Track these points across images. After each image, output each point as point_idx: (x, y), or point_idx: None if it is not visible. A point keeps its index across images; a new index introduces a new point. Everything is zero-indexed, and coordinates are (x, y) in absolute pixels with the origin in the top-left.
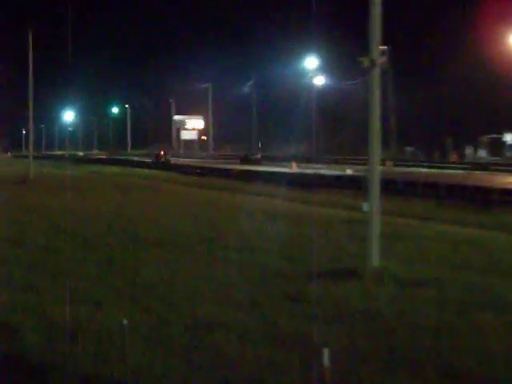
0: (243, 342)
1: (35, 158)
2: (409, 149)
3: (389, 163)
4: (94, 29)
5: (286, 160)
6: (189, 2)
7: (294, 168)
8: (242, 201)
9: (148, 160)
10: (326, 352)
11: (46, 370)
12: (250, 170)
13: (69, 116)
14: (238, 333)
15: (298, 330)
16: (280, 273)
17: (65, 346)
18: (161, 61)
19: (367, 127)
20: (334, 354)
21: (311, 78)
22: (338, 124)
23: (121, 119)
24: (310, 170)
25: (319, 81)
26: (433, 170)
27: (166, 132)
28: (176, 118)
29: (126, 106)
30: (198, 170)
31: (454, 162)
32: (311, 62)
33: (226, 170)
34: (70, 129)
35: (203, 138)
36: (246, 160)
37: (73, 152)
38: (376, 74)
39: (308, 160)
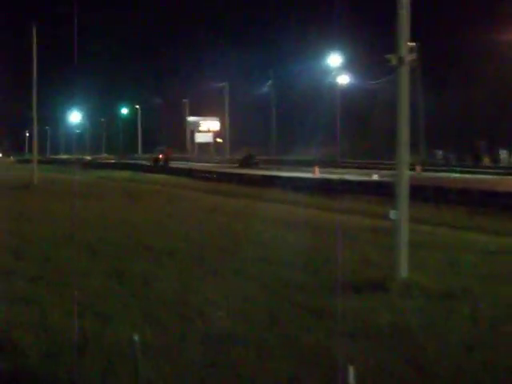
0: (262, 358)
1: (39, 162)
2: (439, 152)
3: (418, 168)
4: (103, 26)
5: (308, 164)
6: None
7: (316, 173)
8: (261, 208)
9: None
10: (350, 370)
11: None
12: (270, 176)
13: (75, 117)
14: (257, 349)
15: (321, 346)
16: (301, 285)
17: (70, 364)
18: (174, 59)
19: (394, 129)
20: (360, 371)
21: (335, 76)
22: (362, 126)
23: (131, 121)
24: (333, 175)
25: (343, 80)
26: (465, 175)
27: (180, 134)
28: (190, 119)
29: (137, 106)
30: (206, 175)
31: (486, 167)
32: (335, 60)
33: (242, 174)
34: (76, 131)
35: (219, 140)
36: (244, 164)
37: (80, 156)
38: (404, 72)
39: (331, 164)
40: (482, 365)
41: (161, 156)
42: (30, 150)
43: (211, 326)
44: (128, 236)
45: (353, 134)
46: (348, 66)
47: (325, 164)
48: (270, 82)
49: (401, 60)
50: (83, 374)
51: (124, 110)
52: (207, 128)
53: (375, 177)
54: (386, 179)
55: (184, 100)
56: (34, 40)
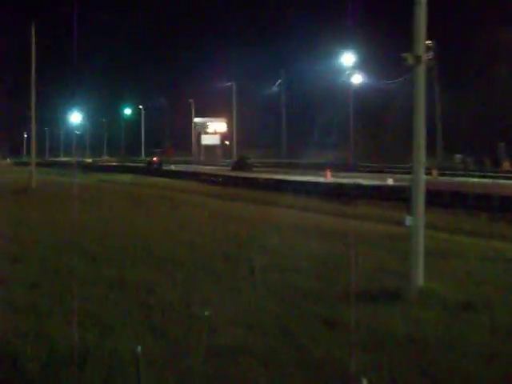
0: (271, 371)
1: (38, 164)
2: (457, 156)
3: (434, 172)
4: (105, 24)
5: (319, 167)
6: None
7: (328, 177)
8: (270, 214)
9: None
10: (364, 382)
11: None
12: (279, 180)
13: (76, 118)
14: (266, 361)
15: (334, 358)
16: (313, 294)
17: (70, 376)
18: (178, 57)
19: (410, 132)
20: None
21: (348, 76)
22: (376, 128)
23: (134, 121)
24: (346, 179)
25: (357, 79)
26: (484, 180)
27: (185, 136)
28: (196, 120)
29: (140, 106)
30: (212, 178)
31: (507, 171)
32: (348, 59)
33: (250, 178)
34: (76, 132)
35: (226, 142)
36: (237, 166)
37: (80, 158)
38: (421, 72)
39: (344, 168)
40: (500, 379)
41: (154, 159)
42: (28, 152)
43: (218, 336)
44: (130, 242)
45: (367, 136)
46: (362, 65)
47: (337, 167)
48: (279, 81)
49: (417, 59)
50: None
51: (127, 111)
52: (214, 130)
53: (390, 181)
54: (401, 183)
55: (190, 100)
56: (33, 38)
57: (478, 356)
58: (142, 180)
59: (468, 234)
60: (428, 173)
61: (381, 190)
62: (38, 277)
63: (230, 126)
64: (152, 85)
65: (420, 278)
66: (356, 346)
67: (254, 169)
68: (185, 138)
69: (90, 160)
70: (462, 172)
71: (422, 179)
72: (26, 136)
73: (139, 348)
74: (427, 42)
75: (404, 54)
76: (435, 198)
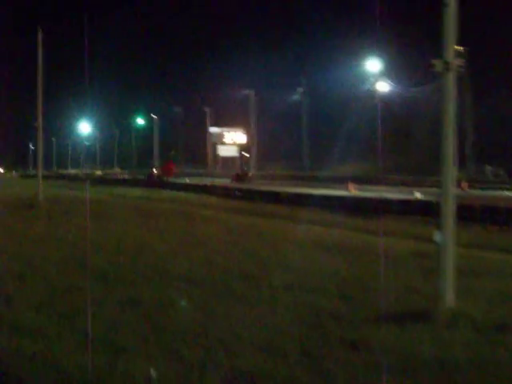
0: None
1: (45, 177)
2: (488, 168)
3: (464, 185)
4: (116, 29)
5: (343, 180)
6: None
7: (352, 190)
8: (291, 230)
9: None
10: None
11: None
12: (301, 194)
13: (85, 128)
14: None
15: (358, 382)
16: (336, 316)
17: None
18: (193, 64)
19: (439, 142)
20: None
21: (373, 83)
22: (403, 138)
23: (146, 132)
24: (371, 192)
25: (382, 87)
26: None
27: (201, 147)
28: (212, 130)
29: (153, 115)
30: (228, 191)
31: None
32: (373, 65)
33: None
34: (85, 143)
35: (244, 154)
36: (237, 179)
37: (89, 171)
38: (451, 79)
39: (369, 181)
40: None
41: (155, 171)
42: (35, 164)
43: (236, 359)
44: (143, 260)
45: (393, 147)
46: (388, 73)
47: (362, 180)
48: (301, 89)
49: (447, 65)
50: None
51: (140, 120)
52: (231, 140)
53: (418, 195)
54: (429, 197)
55: (205, 109)
56: (39, 43)
57: (511, 381)
58: (154, 194)
59: (501, 251)
60: (458, 186)
61: (408, 205)
62: (45, 296)
63: (248, 136)
64: (166, 93)
65: (450, 298)
66: (383, 370)
67: (276, 181)
68: (200, 149)
69: (99, 172)
70: (493, 185)
71: (451, 192)
72: (32, 147)
73: (153, 372)
74: (458, 47)
75: (432, 61)
76: (465, 212)
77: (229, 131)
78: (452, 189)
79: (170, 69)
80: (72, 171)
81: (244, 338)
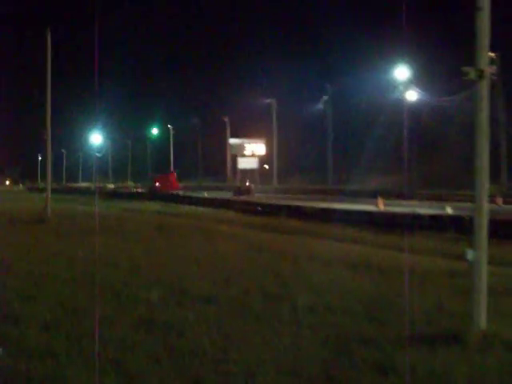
0: None
1: (54, 191)
2: None
3: (499, 199)
4: (130, 35)
5: (371, 195)
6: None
7: (381, 206)
8: (315, 247)
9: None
10: None
11: None
12: (326, 209)
13: (96, 138)
14: None
15: None
16: (363, 338)
17: None
18: (212, 72)
19: (471, 154)
20: None
21: (401, 92)
22: (434, 150)
23: (162, 143)
24: (400, 207)
25: (411, 96)
26: None
27: (219, 159)
28: (232, 141)
29: (169, 126)
30: (249, 206)
31: None
32: (401, 73)
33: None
34: (97, 154)
35: (265, 167)
36: (238, 192)
37: (101, 184)
38: (484, 87)
39: (398, 195)
40: None
41: (157, 184)
42: (43, 177)
43: None
44: (158, 279)
45: (423, 160)
46: (417, 81)
47: (390, 195)
48: (325, 97)
49: (480, 73)
50: None
51: (154, 131)
52: (252, 152)
53: (449, 210)
54: (461, 213)
55: (224, 118)
56: (49, 43)
57: None
58: (171, 208)
59: None
60: (492, 200)
61: (439, 220)
62: (54, 316)
63: (269, 147)
64: (182, 102)
65: (483, 320)
66: None
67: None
68: (219, 162)
69: (112, 186)
70: None
71: (485, 207)
72: (40, 159)
73: None
74: (491, 53)
75: (465, 68)
76: (500, 228)
77: (249, 142)
78: (486, 203)
79: (187, 76)
80: (83, 184)
81: (266, 362)
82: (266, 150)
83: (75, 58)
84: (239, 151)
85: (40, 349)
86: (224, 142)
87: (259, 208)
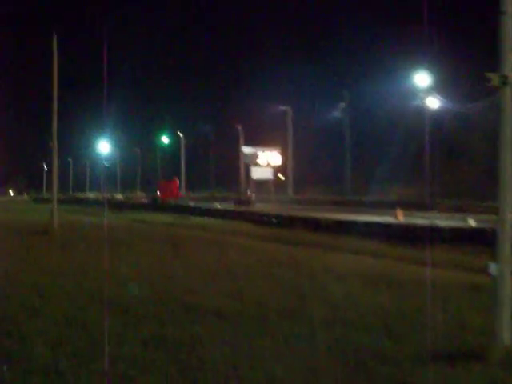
0: None
1: (60, 201)
2: None
3: None
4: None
5: (390, 206)
6: (264, 5)
7: (400, 217)
8: (331, 260)
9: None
10: None
11: None
12: (343, 221)
13: (104, 147)
14: None
15: None
16: (382, 354)
17: None
18: (224, 78)
19: (495, 164)
20: None
21: (422, 99)
22: (455, 159)
23: (172, 151)
24: (420, 219)
25: (433, 103)
26: None
27: (232, 168)
28: (245, 150)
29: (180, 134)
30: (264, 218)
31: None
32: (422, 80)
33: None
34: (105, 164)
35: (280, 176)
36: (238, 202)
37: (109, 194)
38: (508, 94)
39: (418, 207)
40: None
41: (159, 193)
42: (49, 187)
43: None
44: (169, 293)
45: (444, 170)
46: (438, 87)
47: (410, 206)
48: (343, 104)
49: (504, 79)
50: None
51: (164, 139)
52: (266, 161)
53: (471, 222)
54: (484, 225)
55: (237, 126)
56: (55, 53)
57: None
58: (182, 220)
59: None
60: None
61: (461, 233)
62: (60, 333)
63: (284, 156)
64: (193, 109)
65: (506, 336)
66: None
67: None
68: (232, 171)
69: (120, 196)
70: None
71: (508, 220)
72: (46, 168)
73: None
74: None
75: (488, 74)
76: None
77: (263, 151)
78: (509, 216)
79: (198, 83)
80: (90, 195)
81: (281, 380)
82: (282, 159)
83: (83, 65)
84: (252, 160)
85: (46, 365)
86: (237, 151)
87: (274, 220)
